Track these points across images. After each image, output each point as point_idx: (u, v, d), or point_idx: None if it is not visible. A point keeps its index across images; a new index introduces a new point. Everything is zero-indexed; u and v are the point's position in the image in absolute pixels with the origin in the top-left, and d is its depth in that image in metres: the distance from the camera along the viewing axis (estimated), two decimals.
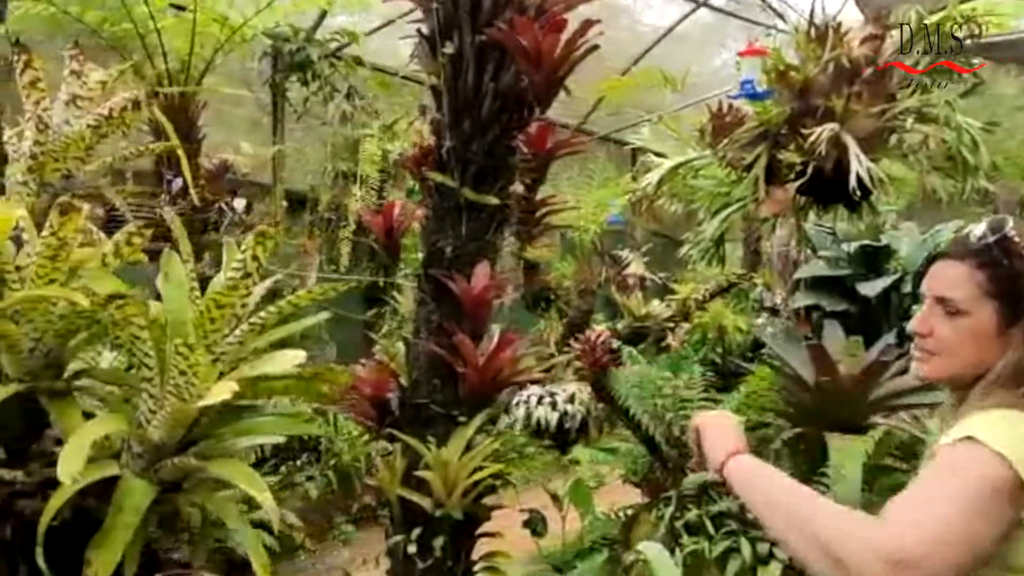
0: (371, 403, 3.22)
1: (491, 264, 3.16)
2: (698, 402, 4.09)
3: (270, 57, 6.50)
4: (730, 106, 3.83)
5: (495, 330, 3.23)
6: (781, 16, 3.91)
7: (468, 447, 3.05)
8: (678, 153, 4.17)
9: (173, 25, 3.89)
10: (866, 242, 6.93)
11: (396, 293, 3.78)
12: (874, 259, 6.95)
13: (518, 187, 3.69)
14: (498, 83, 3.01)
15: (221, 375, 2.31)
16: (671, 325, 6.17)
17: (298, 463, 4.46)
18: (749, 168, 3.76)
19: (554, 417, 5.63)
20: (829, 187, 3.68)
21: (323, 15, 5.97)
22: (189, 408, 2.24)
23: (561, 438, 5.57)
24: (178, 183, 3.72)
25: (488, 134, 3.07)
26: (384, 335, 5.14)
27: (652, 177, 3.95)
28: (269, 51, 6.39)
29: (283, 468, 4.32)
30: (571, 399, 5.51)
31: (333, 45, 6.26)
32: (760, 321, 7.26)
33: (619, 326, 5.98)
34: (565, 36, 2.92)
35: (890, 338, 4.29)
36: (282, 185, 6.79)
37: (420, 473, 3.02)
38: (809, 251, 7.83)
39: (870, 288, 6.53)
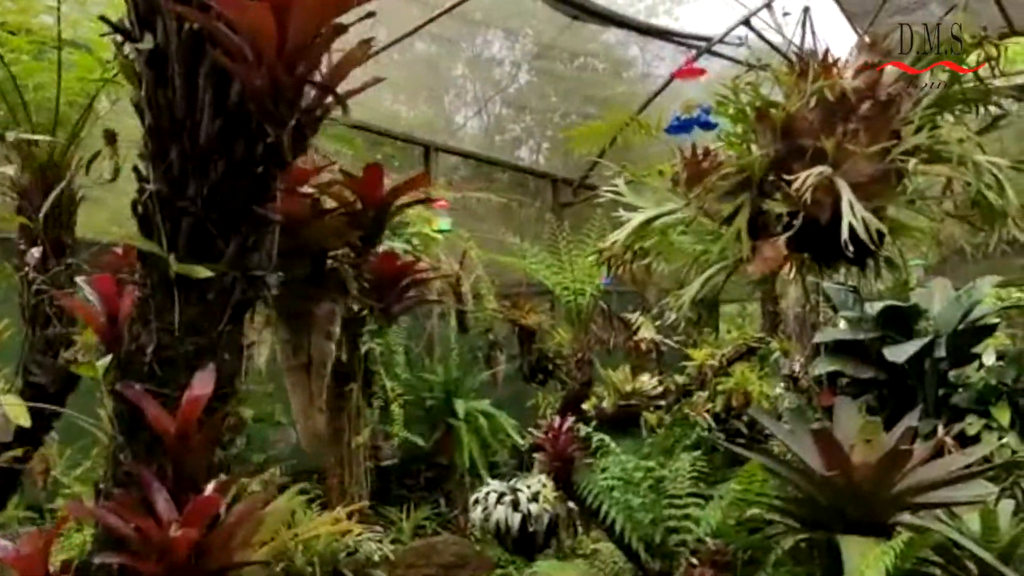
0: None
1: (226, 370, 1.99)
2: (685, 498, 3.45)
3: None
4: (706, 150, 3.29)
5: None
6: (787, 57, 3.38)
7: None
8: (657, 206, 3.64)
9: (29, 69, 3.23)
10: (892, 302, 6.25)
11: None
12: (902, 320, 6.26)
13: (344, 250, 2.91)
14: (223, 93, 1.93)
15: None
16: (661, 403, 5.49)
17: None
18: (730, 220, 3.21)
19: (516, 519, 4.83)
20: (826, 241, 3.12)
21: None
22: None
23: (526, 543, 4.81)
24: (34, 254, 3.14)
25: (209, 171, 1.97)
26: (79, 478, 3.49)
27: (619, 235, 3.41)
28: None
29: None
30: (535, 497, 4.77)
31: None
32: (777, 391, 6.58)
33: (604, 404, 5.33)
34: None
35: (913, 418, 3.60)
36: None
37: None
38: (830, 312, 7.19)
39: (898, 353, 5.84)
